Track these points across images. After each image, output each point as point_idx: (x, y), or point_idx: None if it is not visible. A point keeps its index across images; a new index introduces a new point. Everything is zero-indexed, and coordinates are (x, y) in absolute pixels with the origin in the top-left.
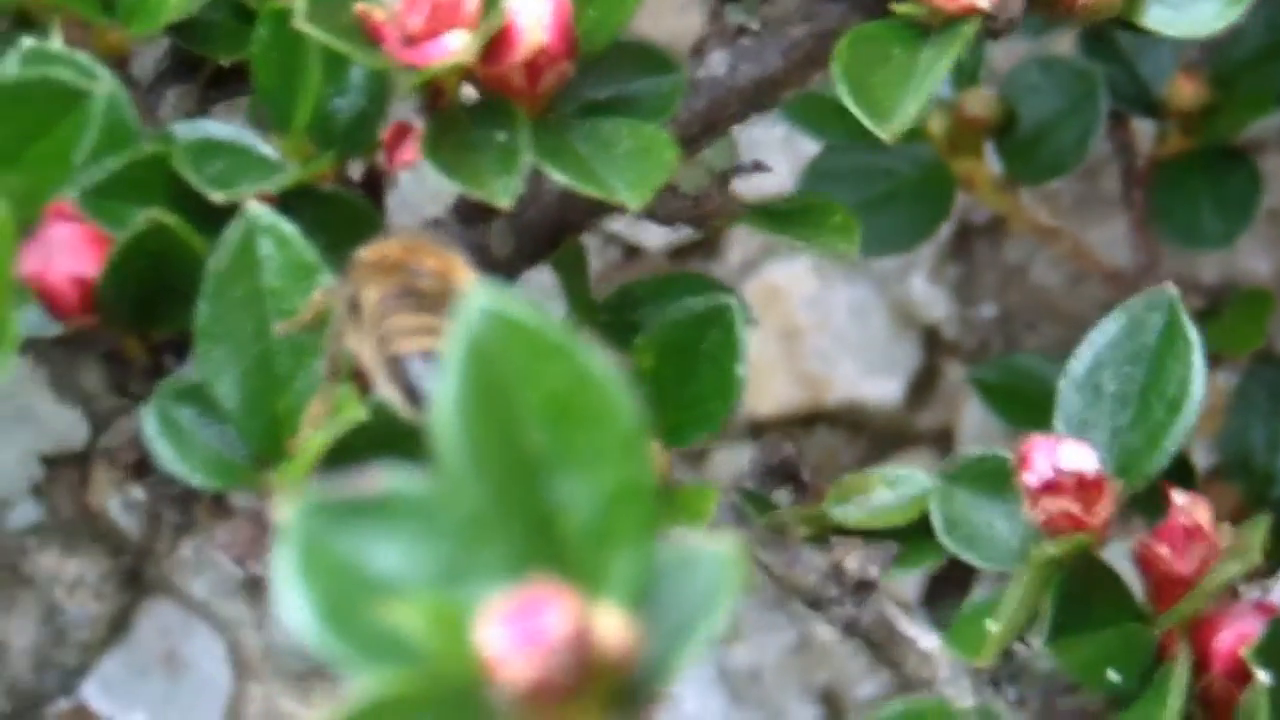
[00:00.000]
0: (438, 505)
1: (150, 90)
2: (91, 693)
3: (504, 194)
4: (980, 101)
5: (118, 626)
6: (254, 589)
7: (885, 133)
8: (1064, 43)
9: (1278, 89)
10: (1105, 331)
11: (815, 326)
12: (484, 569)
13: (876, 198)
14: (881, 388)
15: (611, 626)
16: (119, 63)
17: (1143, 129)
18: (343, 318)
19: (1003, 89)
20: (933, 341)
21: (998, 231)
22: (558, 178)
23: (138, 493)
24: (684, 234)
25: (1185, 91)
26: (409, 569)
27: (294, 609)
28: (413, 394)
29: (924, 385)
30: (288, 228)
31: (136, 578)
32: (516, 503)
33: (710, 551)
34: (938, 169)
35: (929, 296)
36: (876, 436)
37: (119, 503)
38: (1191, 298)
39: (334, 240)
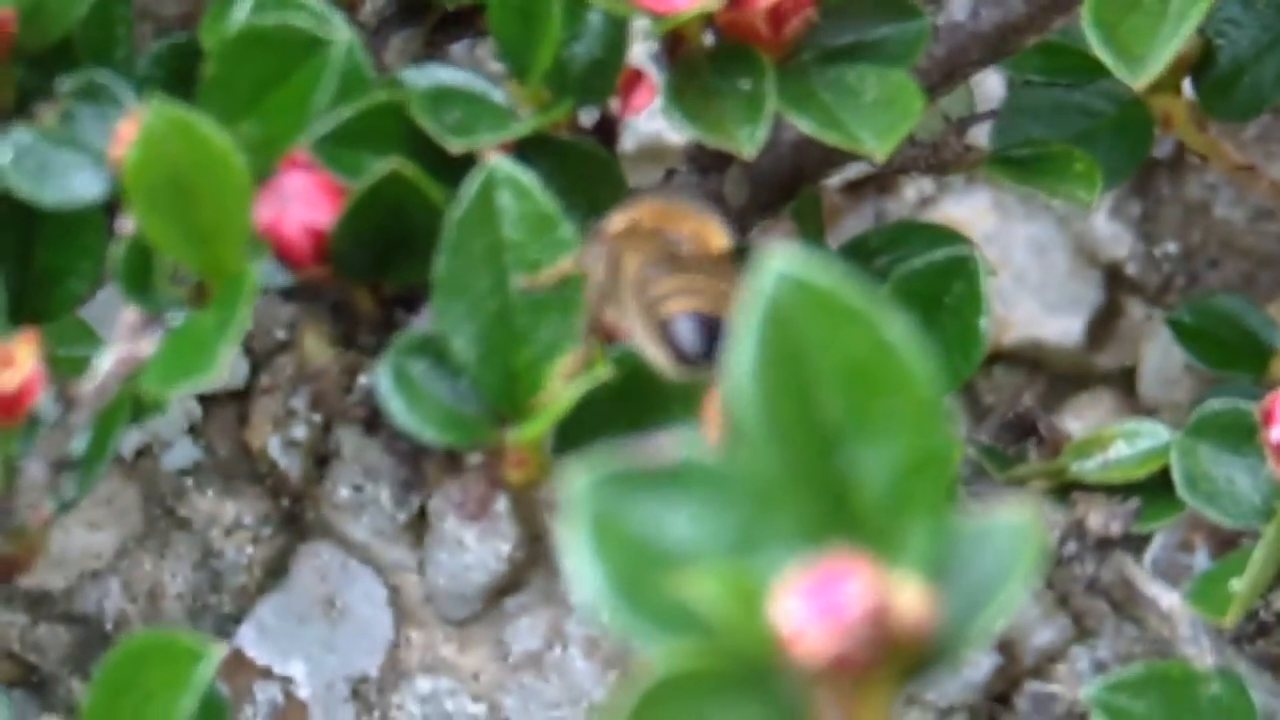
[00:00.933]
0: (731, 474)
1: (376, 34)
2: (248, 639)
3: (748, 142)
4: None
5: (275, 571)
6: (416, 532)
7: (1136, 81)
8: None
9: None
10: None
11: (994, 264)
12: (778, 539)
13: (1075, 136)
14: (1062, 327)
15: (909, 598)
16: (349, 7)
17: None
18: (602, 284)
19: (1202, 24)
20: (1114, 279)
21: (1179, 167)
22: (803, 126)
23: (297, 432)
24: (859, 168)
25: None
26: (701, 539)
27: (586, 581)
28: (680, 354)
29: (1105, 324)
30: (527, 178)
31: (295, 520)
32: (811, 472)
33: (1006, 521)
34: (1135, 106)
35: (1110, 233)
36: (1056, 377)
37: (278, 443)
38: None
39: (571, 189)
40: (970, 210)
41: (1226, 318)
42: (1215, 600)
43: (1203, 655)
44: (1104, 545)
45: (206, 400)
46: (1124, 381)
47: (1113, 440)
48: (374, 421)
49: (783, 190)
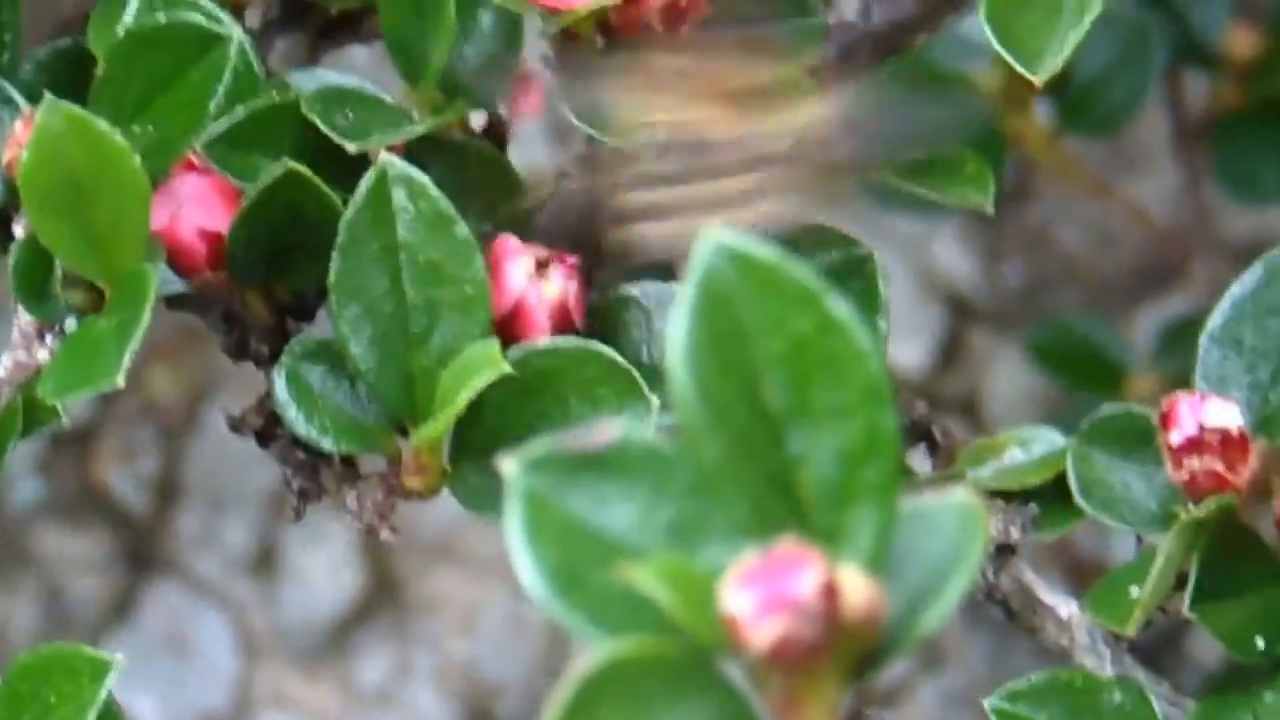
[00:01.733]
0: (671, 459)
1: (260, 38)
2: None
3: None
4: None
5: (122, 607)
6: (264, 566)
7: (1035, 76)
8: None
9: None
10: (1244, 284)
11: None
12: (720, 527)
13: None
14: (907, 353)
15: (857, 587)
16: (235, 12)
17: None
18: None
19: None
20: (957, 306)
21: (1021, 195)
22: None
23: (144, 467)
24: None
25: (1242, 42)
26: (643, 526)
27: (522, 569)
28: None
29: (949, 351)
30: (422, 178)
31: (142, 556)
32: (754, 457)
33: (952, 506)
34: (988, 127)
35: (952, 260)
36: (902, 403)
37: (124, 478)
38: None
39: (465, 191)
40: None
41: (1079, 339)
42: (1116, 608)
43: (1101, 665)
44: (1002, 552)
45: (52, 437)
46: (970, 408)
47: (1007, 446)
48: (268, 431)
49: None
